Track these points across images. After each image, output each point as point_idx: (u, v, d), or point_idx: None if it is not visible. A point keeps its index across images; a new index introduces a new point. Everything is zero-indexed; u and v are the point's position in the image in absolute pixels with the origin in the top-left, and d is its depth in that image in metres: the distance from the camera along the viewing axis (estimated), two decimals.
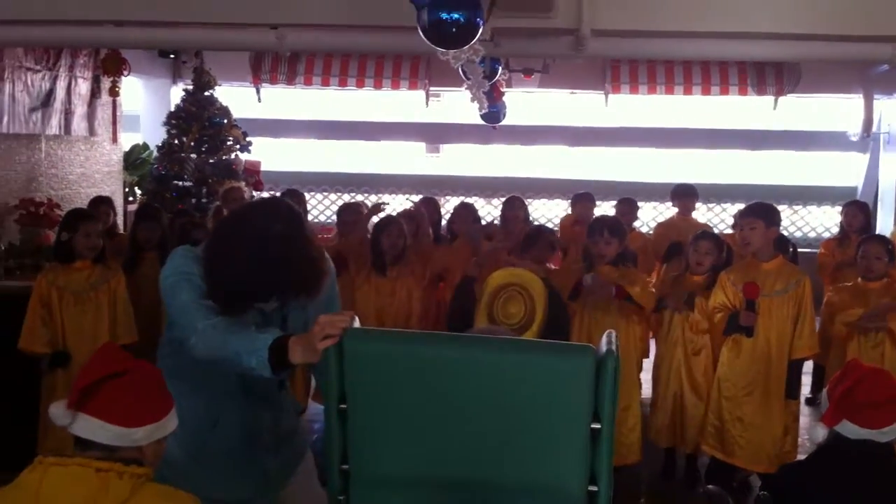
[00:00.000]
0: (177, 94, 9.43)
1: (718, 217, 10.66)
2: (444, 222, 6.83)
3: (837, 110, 10.78)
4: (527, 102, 10.60)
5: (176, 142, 8.42)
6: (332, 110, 11.59)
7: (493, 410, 2.15)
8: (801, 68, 9.54)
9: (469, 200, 7.73)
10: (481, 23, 3.75)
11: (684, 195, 7.41)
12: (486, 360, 2.16)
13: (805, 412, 5.66)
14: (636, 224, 7.53)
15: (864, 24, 5.00)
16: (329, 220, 10.26)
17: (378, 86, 9.80)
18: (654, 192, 10.16)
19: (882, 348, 4.87)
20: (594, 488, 2.17)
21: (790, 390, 4.85)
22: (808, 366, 5.66)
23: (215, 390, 2.63)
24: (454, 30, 3.68)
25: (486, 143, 11.19)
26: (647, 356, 5.82)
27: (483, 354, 2.17)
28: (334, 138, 11.62)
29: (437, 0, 3.66)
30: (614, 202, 7.62)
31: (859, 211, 6.79)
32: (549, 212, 10.68)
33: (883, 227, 9.24)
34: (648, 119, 11.33)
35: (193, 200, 8.08)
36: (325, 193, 11.20)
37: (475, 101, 7.39)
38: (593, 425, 2.13)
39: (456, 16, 3.65)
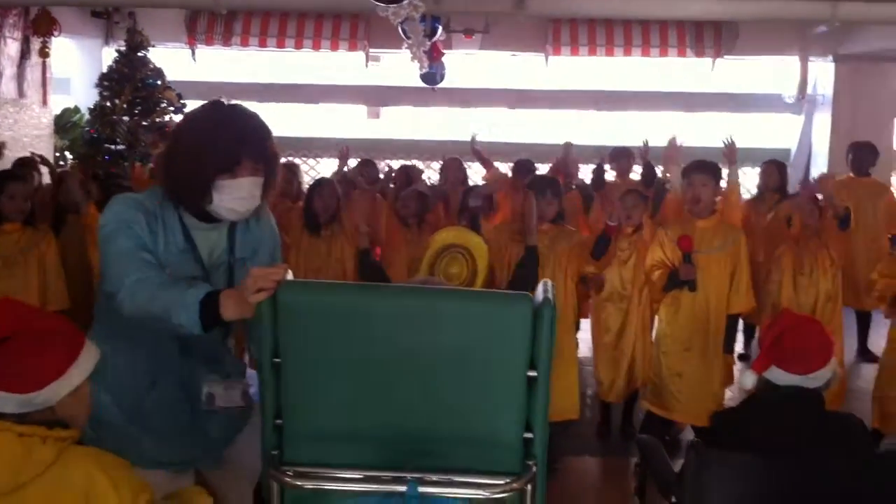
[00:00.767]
0: (109, 55, 9.18)
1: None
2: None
3: (774, 72, 10.92)
4: (468, 64, 10.56)
5: (108, 104, 8.23)
6: (270, 72, 11.40)
7: (430, 361, 2.14)
8: (739, 29, 9.64)
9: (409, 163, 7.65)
10: None
11: (621, 158, 7.44)
12: (423, 311, 2.14)
13: (738, 367, 5.78)
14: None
15: None
16: None
17: (316, 47, 9.67)
18: (595, 154, 10.22)
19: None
20: (530, 435, 2.18)
21: (727, 344, 4.94)
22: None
23: (152, 348, 2.54)
24: None
25: (426, 105, 11.12)
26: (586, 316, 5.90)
27: (419, 304, 2.15)
28: (272, 101, 11.44)
29: None
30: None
31: (776, 170, 6.90)
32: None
33: None
34: (589, 81, 11.36)
35: (126, 164, 7.91)
36: None
37: (415, 61, 7.33)
38: (530, 373, 2.13)
39: None
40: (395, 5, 3.89)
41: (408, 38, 7.74)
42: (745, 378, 2.67)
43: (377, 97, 11.56)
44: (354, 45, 9.80)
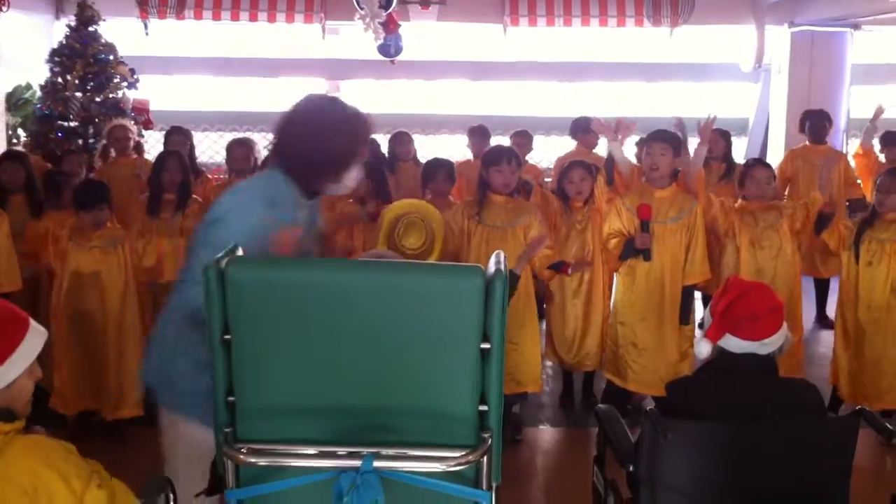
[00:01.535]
0: (60, 30, 8.98)
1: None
2: None
3: (731, 41, 10.96)
4: (426, 36, 10.47)
5: (60, 80, 8.06)
6: (227, 46, 11.23)
7: (382, 334, 2.13)
8: None
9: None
10: None
11: (585, 130, 7.37)
12: (374, 284, 2.12)
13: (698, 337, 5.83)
14: (530, 157, 7.53)
15: None
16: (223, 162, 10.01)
17: (272, 19, 9.54)
18: (554, 126, 10.23)
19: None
20: (484, 408, 2.18)
21: (682, 315, 4.97)
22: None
23: None
24: None
25: (385, 78, 11.04)
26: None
27: (370, 278, 2.14)
28: (228, 75, 11.30)
29: None
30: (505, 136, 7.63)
31: (720, 137, 6.93)
32: (450, 148, 10.61)
33: (773, 156, 9.49)
34: (547, 53, 11.33)
35: (80, 141, 7.77)
36: (220, 133, 10.90)
37: (370, 32, 7.25)
38: (483, 345, 2.12)
39: None
40: None
41: (361, 8, 7.67)
42: (699, 347, 2.69)
43: (336, 70, 11.44)
44: (310, 17, 9.67)
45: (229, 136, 10.64)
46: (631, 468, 2.49)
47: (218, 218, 2.63)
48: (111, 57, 8.18)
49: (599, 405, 2.92)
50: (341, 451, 2.13)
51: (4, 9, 7.62)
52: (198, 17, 9.27)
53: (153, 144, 8.38)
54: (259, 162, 5.63)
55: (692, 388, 2.68)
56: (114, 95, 8.08)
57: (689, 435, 2.46)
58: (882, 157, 7.32)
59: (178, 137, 6.25)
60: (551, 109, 11.07)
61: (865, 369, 4.93)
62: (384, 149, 7.19)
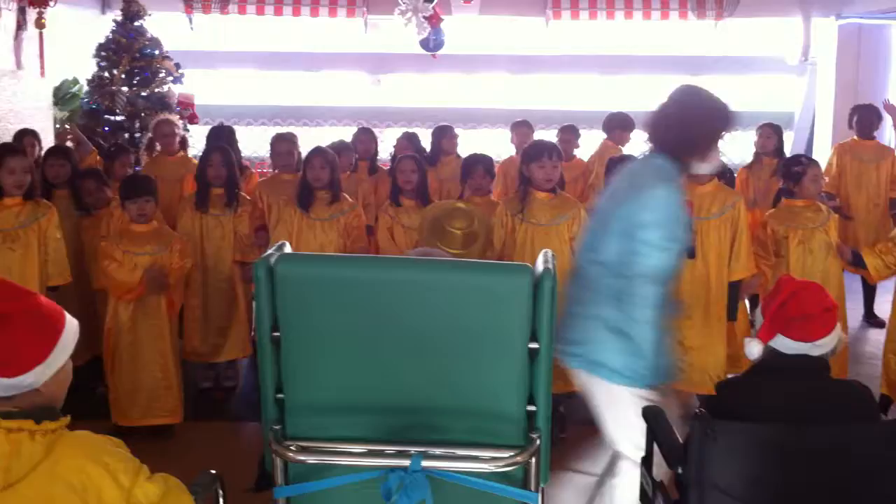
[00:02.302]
0: (106, 24, 9.08)
1: None
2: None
3: (776, 34, 10.79)
4: (467, 30, 10.44)
5: (106, 75, 8.14)
6: (269, 41, 11.28)
7: (431, 333, 2.13)
8: None
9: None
10: None
11: (619, 126, 7.28)
12: (422, 282, 2.12)
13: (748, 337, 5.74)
14: (577, 152, 7.46)
15: None
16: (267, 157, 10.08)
17: (315, 13, 9.58)
18: (597, 120, 10.14)
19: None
20: (533, 408, 2.16)
21: (730, 311, 4.90)
22: None
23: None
24: None
25: (426, 72, 11.03)
26: None
27: (419, 275, 2.13)
28: (271, 69, 11.35)
29: None
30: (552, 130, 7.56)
31: (773, 132, 6.82)
32: (492, 143, 10.57)
33: (819, 151, 9.34)
34: (589, 46, 11.24)
35: (126, 135, 7.84)
36: (264, 126, 10.97)
37: (410, 25, 7.22)
38: (531, 345, 2.11)
39: None
40: None
41: (403, 3, 7.66)
42: (750, 347, 2.65)
43: (377, 64, 11.46)
44: (353, 11, 9.71)
45: (272, 131, 10.78)
46: (679, 470, 2.46)
47: (653, 220, 2.93)
48: (156, 52, 8.25)
49: (646, 405, 2.88)
50: (389, 449, 2.13)
51: (52, 3, 7.72)
52: (241, 11, 9.33)
53: (198, 139, 8.44)
54: (302, 157, 5.63)
55: (743, 390, 2.64)
56: (159, 90, 8.15)
57: (739, 437, 2.42)
58: None
59: (222, 135, 6.26)
60: (594, 103, 10.97)
61: None
62: (425, 144, 7.14)
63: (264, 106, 11.16)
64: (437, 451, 2.11)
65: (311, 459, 2.16)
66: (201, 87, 9.50)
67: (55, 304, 1.98)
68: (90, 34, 9.27)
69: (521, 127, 7.33)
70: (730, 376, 4.89)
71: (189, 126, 8.27)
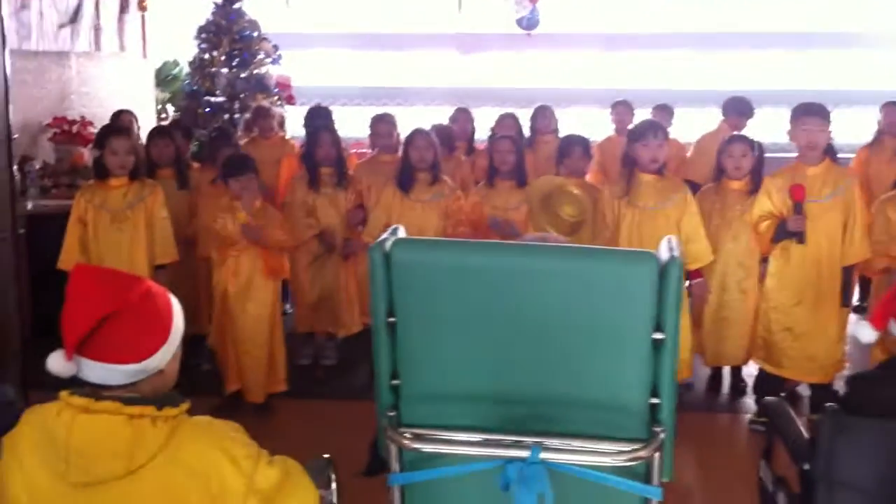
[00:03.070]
0: (205, 6, 9.22)
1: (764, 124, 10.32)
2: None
3: (891, 7, 10.30)
4: (561, 7, 10.25)
5: (206, 56, 8.26)
6: (359, 22, 11.30)
7: (550, 321, 2.06)
8: None
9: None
10: None
11: (740, 112, 6.94)
12: (542, 269, 2.05)
13: (852, 320, 5.53)
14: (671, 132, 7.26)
15: None
16: (362, 137, 10.11)
17: None
18: (695, 99, 9.86)
19: None
20: (656, 401, 2.08)
21: (844, 297, 4.70)
22: None
23: None
24: None
25: (518, 50, 10.89)
26: None
27: (539, 262, 2.06)
28: (364, 50, 11.37)
29: None
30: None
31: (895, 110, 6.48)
32: (586, 122, 10.40)
33: None
34: (687, 22, 10.94)
35: (226, 116, 7.95)
36: (359, 107, 11.01)
37: (511, 3, 7.11)
38: (655, 335, 2.02)
39: None
40: None
41: None
42: (861, 332, 2.53)
43: (467, 43, 11.38)
44: None
45: (365, 111, 10.81)
46: (806, 466, 2.35)
47: None
48: (255, 34, 8.33)
49: (767, 398, 2.77)
50: (506, 439, 2.07)
51: None
52: None
53: (294, 120, 8.51)
54: (400, 138, 5.61)
55: (876, 384, 2.51)
56: (258, 72, 8.24)
57: (872, 433, 2.30)
58: None
59: (319, 116, 6.27)
60: (691, 82, 10.69)
61: None
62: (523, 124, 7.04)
63: (357, 87, 11.19)
64: (556, 442, 2.05)
65: (426, 448, 2.12)
66: (296, 67, 9.56)
67: (162, 288, 1.98)
68: (190, 16, 9.43)
69: (621, 106, 7.18)
70: (844, 367, 4.74)
71: (286, 107, 8.34)
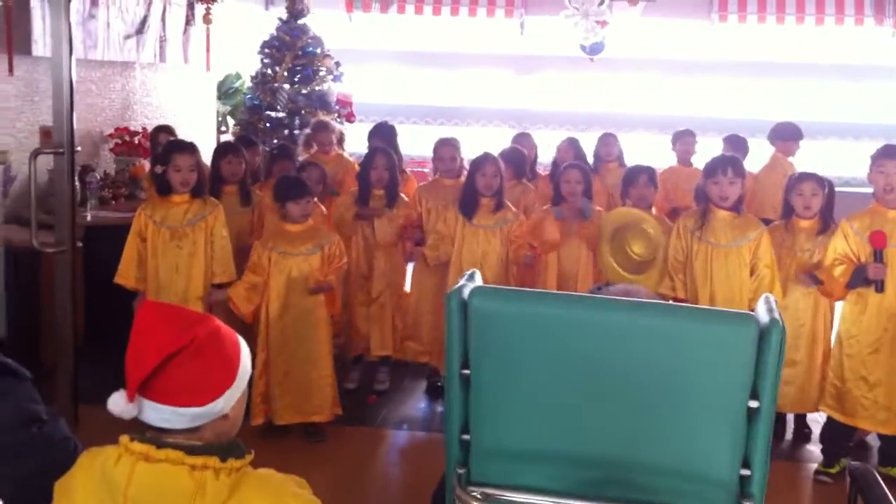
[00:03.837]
0: (268, 20, 9.23)
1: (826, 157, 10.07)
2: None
3: None
4: (625, 32, 10.13)
5: (269, 71, 8.25)
6: (417, 40, 11.27)
7: (635, 381, 1.93)
8: None
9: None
10: None
11: (787, 137, 6.83)
12: (630, 325, 1.93)
13: None
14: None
15: None
16: (419, 155, 10.04)
17: (472, 13, 9.52)
18: (758, 128, 9.66)
19: None
20: (747, 472, 1.94)
21: None
22: None
23: None
24: None
25: (577, 72, 10.78)
26: None
27: (627, 318, 1.94)
28: (423, 67, 11.34)
29: None
30: (715, 138, 7.18)
31: None
32: (645, 148, 10.23)
33: None
34: (752, 52, 10.76)
35: (286, 132, 7.92)
36: (416, 125, 10.96)
37: (580, 29, 7.02)
38: (751, 403, 1.89)
39: None
40: None
41: (571, 6, 7.46)
42: None
43: (529, 66, 11.30)
44: (510, 11, 9.60)
45: (423, 130, 10.78)
46: None
47: None
48: (318, 50, 8.31)
49: (853, 462, 2.61)
50: None
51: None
52: (401, 10, 9.34)
53: (353, 138, 8.48)
54: (463, 162, 5.51)
55: None
56: (319, 88, 8.21)
57: None
58: None
59: (383, 135, 6.21)
60: (755, 111, 10.48)
61: None
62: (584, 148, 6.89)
63: (416, 105, 11.15)
64: None
65: None
66: (355, 84, 9.53)
67: (232, 330, 1.88)
68: (253, 30, 9.46)
69: (685, 136, 7.00)
70: None
71: (346, 124, 8.30)
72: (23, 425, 2.16)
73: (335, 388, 4.78)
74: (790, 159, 6.74)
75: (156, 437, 1.75)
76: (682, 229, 4.51)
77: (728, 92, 10.91)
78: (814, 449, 4.93)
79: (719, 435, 1.92)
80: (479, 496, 1.99)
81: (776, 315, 1.89)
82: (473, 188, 5.04)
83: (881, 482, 2.47)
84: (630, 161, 6.44)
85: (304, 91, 8.06)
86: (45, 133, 5.62)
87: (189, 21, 8.20)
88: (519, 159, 5.82)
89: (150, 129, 7.23)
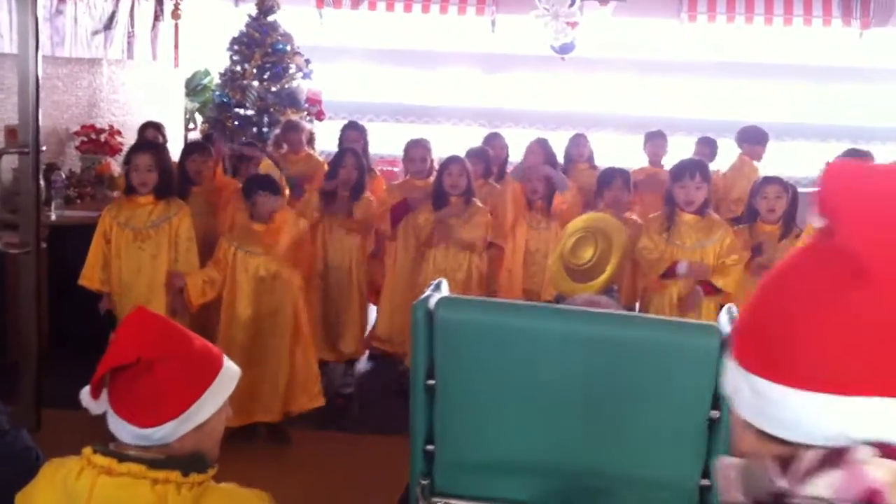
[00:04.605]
0: (238, 17, 9.14)
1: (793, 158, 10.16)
2: None
3: None
4: (595, 31, 10.15)
5: (238, 69, 8.16)
6: (387, 38, 11.21)
7: (599, 392, 1.94)
8: None
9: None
10: None
11: (754, 141, 6.89)
12: (594, 336, 1.93)
13: None
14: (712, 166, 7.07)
15: None
16: (389, 154, 9.99)
17: (444, 10, 9.49)
18: (726, 128, 9.73)
19: None
20: (707, 482, 1.96)
21: None
22: None
23: None
24: None
25: (547, 72, 10.78)
26: None
27: (591, 330, 1.95)
28: (394, 65, 11.29)
29: None
30: (685, 138, 7.22)
31: None
32: (616, 149, 10.26)
33: None
34: (720, 53, 10.83)
35: (255, 129, 7.85)
36: (386, 123, 10.91)
37: (547, 28, 7.02)
38: (712, 413, 1.90)
39: None
40: None
41: (541, 6, 7.46)
42: None
43: (499, 64, 11.27)
44: (482, 9, 9.58)
45: (392, 128, 10.73)
46: None
47: None
48: (288, 47, 8.23)
49: None
50: None
51: None
52: (371, 7, 9.29)
53: (325, 135, 8.43)
54: (434, 163, 5.52)
55: None
56: (289, 86, 8.14)
57: None
58: None
59: (353, 133, 6.19)
60: (726, 111, 10.55)
61: None
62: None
63: (384, 103, 11.09)
64: None
65: None
66: (325, 82, 9.47)
67: (213, 350, 1.85)
68: (222, 26, 9.37)
69: (655, 138, 7.01)
70: None
71: (316, 122, 8.25)
72: None
73: (303, 388, 4.71)
74: (756, 163, 6.79)
75: (119, 449, 1.73)
76: (649, 231, 4.54)
77: (697, 92, 10.96)
78: None
79: (682, 445, 1.94)
80: None
81: None
82: (442, 188, 5.09)
83: None
84: (600, 162, 6.47)
85: (273, 88, 7.99)
86: (11, 132, 5.53)
87: (157, 17, 8.11)
88: (486, 159, 5.83)
89: (117, 126, 7.16)
